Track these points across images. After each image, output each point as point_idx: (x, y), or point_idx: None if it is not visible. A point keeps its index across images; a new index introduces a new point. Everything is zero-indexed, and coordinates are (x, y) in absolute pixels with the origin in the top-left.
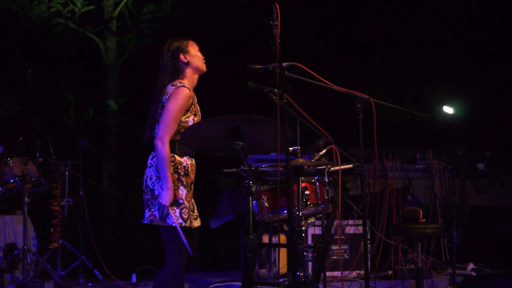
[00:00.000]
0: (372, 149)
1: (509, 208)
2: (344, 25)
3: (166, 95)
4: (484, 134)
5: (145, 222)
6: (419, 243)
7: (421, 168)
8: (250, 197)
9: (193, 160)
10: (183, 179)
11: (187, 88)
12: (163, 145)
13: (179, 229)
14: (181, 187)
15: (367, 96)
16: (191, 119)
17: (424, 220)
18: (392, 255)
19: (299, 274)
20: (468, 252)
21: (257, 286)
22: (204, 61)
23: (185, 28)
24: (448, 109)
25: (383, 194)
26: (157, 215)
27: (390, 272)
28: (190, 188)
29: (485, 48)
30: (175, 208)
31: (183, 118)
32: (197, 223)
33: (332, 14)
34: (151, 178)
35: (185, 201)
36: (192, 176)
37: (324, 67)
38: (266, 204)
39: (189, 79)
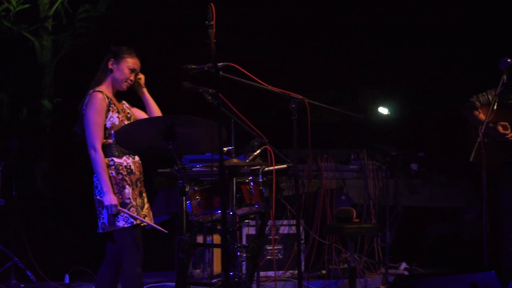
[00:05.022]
0: (307, 150)
1: (441, 208)
2: (284, 25)
3: (83, 104)
4: (418, 134)
5: (100, 231)
6: (352, 243)
7: (355, 168)
8: (184, 197)
9: (136, 157)
10: (127, 178)
11: (99, 91)
12: (96, 152)
13: (151, 224)
14: (127, 186)
15: (301, 97)
16: (115, 117)
17: (357, 220)
18: (325, 255)
19: (232, 274)
20: (401, 252)
21: (191, 286)
22: (129, 81)
23: (123, 27)
24: (383, 110)
25: (318, 194)
26: (106, 222)
27: (323, 271)
28: (136, 186)
29: (421, 50)
30: (123, 209)
31: (106, 120)
32: (148, 219)
33: (274, 14)
34: (97, 187)
35: (132, 200)
36: (137, 173)
37: (262, 68)
38: (199, 204)
39: (108, 86)
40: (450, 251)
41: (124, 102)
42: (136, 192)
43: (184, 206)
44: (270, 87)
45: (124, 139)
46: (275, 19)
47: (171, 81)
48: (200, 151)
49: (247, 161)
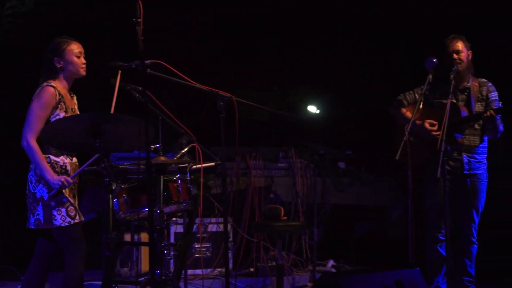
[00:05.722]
0: (235, 147)
1: (368, 206)
2: (213, 25)
3: (34, 95)
4: (346, 133)
5: (32, 227)
6: (280, 241)
7: (283, 166)
8: (111, 195)
9: (74, 158)
10: None
11: (52, 86)
12: (28, 144)
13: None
14: None
15: (229, 95)
16: (61, 116)
17: (285, 218)
18: (254, 252)
19: (159, 272)
20: (328, 250)
21: (118, 285)
22: (83, 66)
23: (53, 24)
24: (311, 108)
25: (246, 192)
26: (42, 219)
27: (252, 269)
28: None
29: (350, 48)
30: (60, 208)
31: (52, 116)
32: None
33: (202, 13)
34: (31, 182)
35: (69, 199)
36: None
37: (192, 67)
38: (126, 202)
39: (63, 81)
40: (377, 248)
41: (75, 101)
42: (70, 194)
43: (111, 204)
44: (198, 85)
45: (50, 136)
46: (203, 19)
47: (101, 78)
48: (127, 148)
49: (175, 159)
